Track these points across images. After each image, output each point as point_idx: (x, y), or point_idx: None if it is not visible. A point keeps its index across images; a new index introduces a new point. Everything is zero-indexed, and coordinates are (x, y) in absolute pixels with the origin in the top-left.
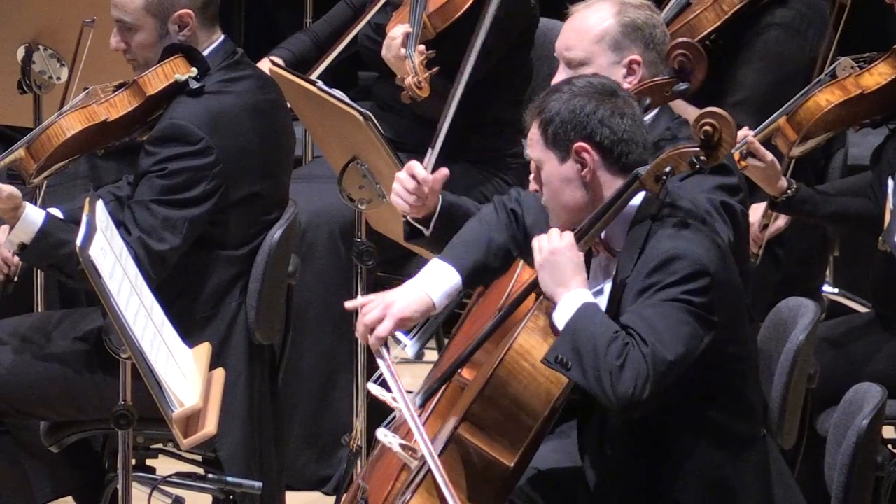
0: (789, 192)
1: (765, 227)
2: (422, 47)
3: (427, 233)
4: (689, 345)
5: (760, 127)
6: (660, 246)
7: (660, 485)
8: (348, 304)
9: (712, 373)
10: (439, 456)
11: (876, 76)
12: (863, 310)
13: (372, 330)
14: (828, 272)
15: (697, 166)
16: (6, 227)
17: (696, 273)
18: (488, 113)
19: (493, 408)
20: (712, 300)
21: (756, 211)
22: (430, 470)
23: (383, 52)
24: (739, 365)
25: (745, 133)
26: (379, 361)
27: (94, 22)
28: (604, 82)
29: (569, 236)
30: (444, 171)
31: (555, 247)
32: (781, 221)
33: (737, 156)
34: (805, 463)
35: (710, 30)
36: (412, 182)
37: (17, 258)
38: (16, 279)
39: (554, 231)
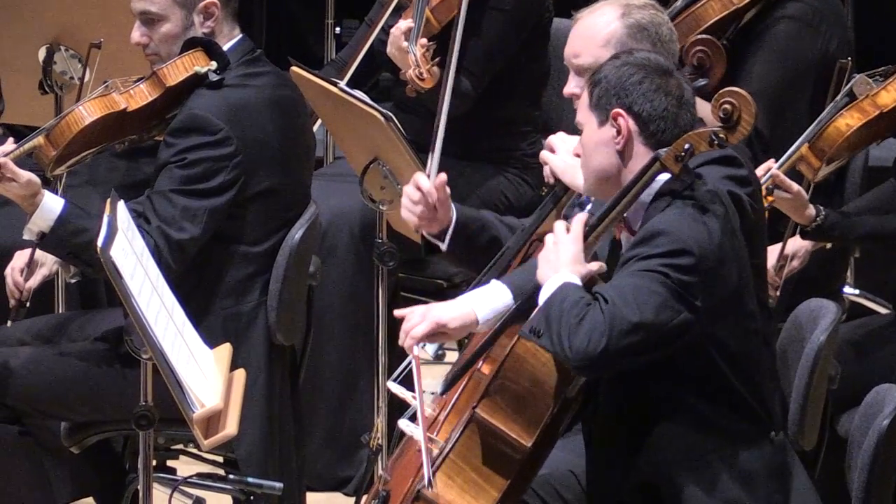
0: (818, 219)
1: (781, 267)
2: (424, 40)
3: (443, 247)
4: (657, 314)
5: (784, 158)
6: (652, 224)
7: (644, 468)
8: (397, 312)
9: (695, 363)
10: (458, 438)
11: (893, 93)
12: (884, 311)
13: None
14: (848, 273)
15: (716, 143)
16: (22, 252)
17: (679, 250)
18: (503, 111)
19: (511, 386)
20: (694, 282)
21: (772, 253)
22: (448, 453)
23: (387, 48)
24: (730, 362)
25: (768, 166)
26: (414, 365)
27: (102, 44)
28: (661, 60)
29: (577, 230)
30: (442, 177)
31: (559, 238)
32: (797, 262)
33: (763, 191)
34: (826, 464)
35: (714, 20)
36: (417, 193)
37: (28, 283)
38: (28, 304)
39: (560, 224)
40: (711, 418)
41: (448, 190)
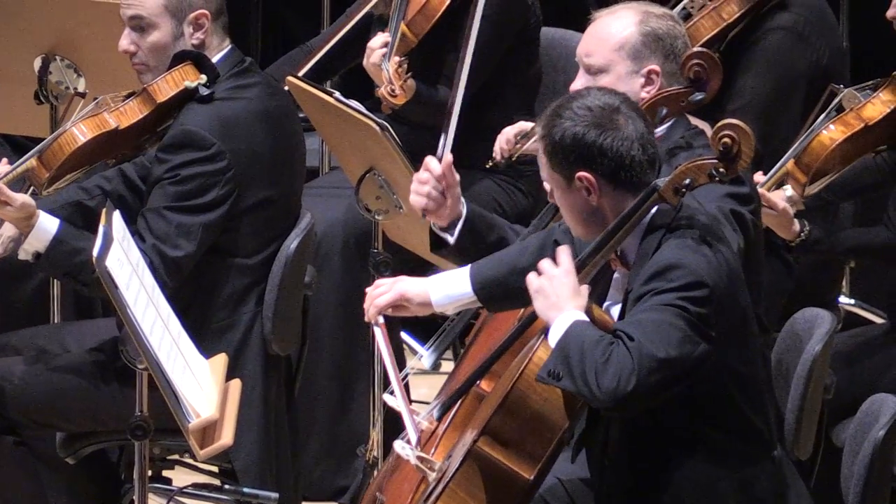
0: (802, 234)
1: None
2: (396, 58)
3: (451, 240)
4: (680, 348)
5: (769, 174)
6: (662, 256)
7: (655, 499)
8: (368, 289)
9: (707, 391)
10: (457, 469)
11: (879, 106)
12: (879, 320)
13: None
14: (844, 283)
15: (717, 178)
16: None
17: (694, 283)
18: (493, 117)
19: (512, 421)
20: (709, 313)
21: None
22: (448, 483)
23: (363, 61)
24: (739, 385)
25: (756, 181)
26: (375, 329)
27: (86, 95)
28: (602, 104)
29: (567, 263)
30: (448, 158)
31: (550, 273)
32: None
33: None
34: (821, 474)
35: (707, 38)
36: (425, 174)
37: None
38: None
39: (546, 261)
40: (722, 445)
41: (457, 177)
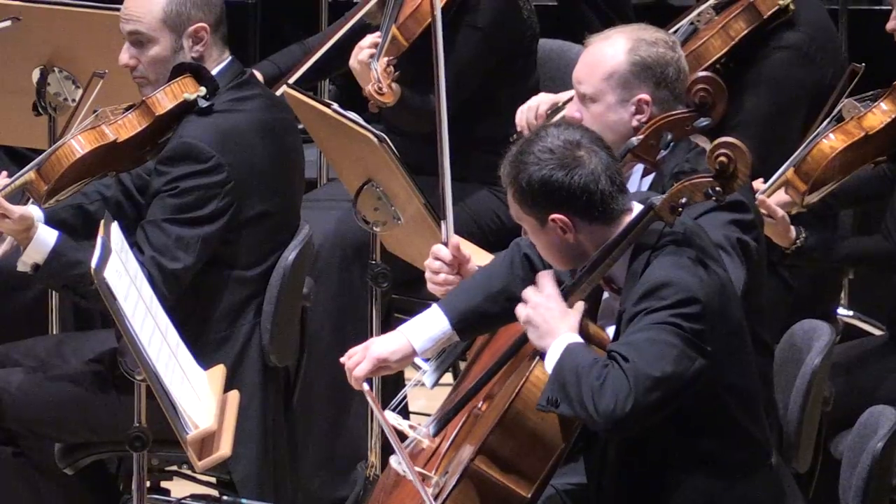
0: (798, 241)
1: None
2: (385, 59)
3: None
4: (676, 365)
5: (769, 182)
6: (652, 275)
7: None
8: (342, 359)
9: (703, 404)
10: (454, 487)
11: (879, 115)
12: (878, 332)
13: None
14: (842, 294)
15: (712, 197)
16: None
17: (686, 300)
18: (490, 129)
19: (509, 440)
20: (703, 328)
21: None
22: (444, 501)
23: (350, 61)
24: (736, 396)
25: (756, 188)
26: (368, 399)
27: (106, 74)
28: (562, 143)
29: (550, 288)
30: (454, 241)
31: (534, 301)
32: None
33: None
34: (820, 486)
35: (716, 57)
36: (436, 263)
37: None
38: None
39: (530, 289)
40: (719, 456)
41: (467, 254)
